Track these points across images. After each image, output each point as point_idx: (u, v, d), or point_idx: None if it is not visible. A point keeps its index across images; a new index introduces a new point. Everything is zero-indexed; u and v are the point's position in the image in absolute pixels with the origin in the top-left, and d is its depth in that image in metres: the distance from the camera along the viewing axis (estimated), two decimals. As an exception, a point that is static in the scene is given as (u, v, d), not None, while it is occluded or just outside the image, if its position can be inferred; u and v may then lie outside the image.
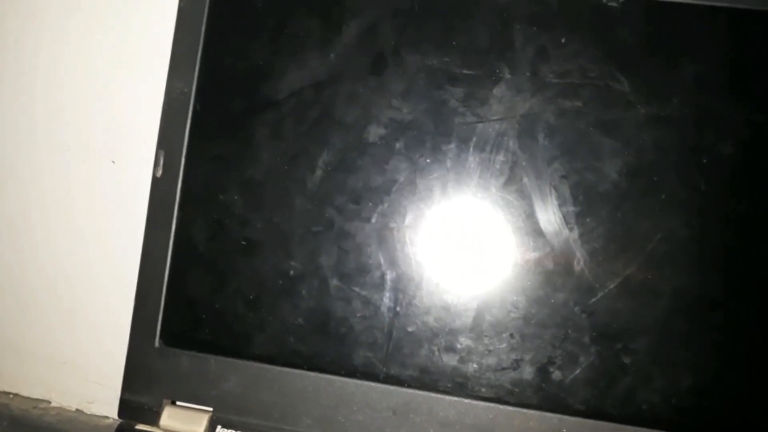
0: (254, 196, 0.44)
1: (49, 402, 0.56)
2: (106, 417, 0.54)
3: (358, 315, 0.43)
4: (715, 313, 0.40)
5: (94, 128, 0.53)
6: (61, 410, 0.55)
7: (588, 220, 0.41)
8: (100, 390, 0.55)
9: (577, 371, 0.41)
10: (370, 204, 0.43)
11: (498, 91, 0.42)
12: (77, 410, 0.55)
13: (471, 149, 0.42)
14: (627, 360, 0.40)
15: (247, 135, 0.44)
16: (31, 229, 0.55)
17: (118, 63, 0.53)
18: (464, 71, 0.43)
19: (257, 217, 0.44)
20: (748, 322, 0.40)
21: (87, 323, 0.54)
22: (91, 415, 0.55)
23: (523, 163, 0.42)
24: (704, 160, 0.41)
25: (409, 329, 0.42)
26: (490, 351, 0.41)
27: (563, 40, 0.42)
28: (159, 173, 0.45)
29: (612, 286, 0.41)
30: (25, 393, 0.56)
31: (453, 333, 0.42)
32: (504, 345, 0.41)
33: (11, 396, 0.56)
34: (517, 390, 0.41)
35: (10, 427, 0.54)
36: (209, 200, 0.45)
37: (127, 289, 0.46)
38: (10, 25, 0.55)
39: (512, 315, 0.41)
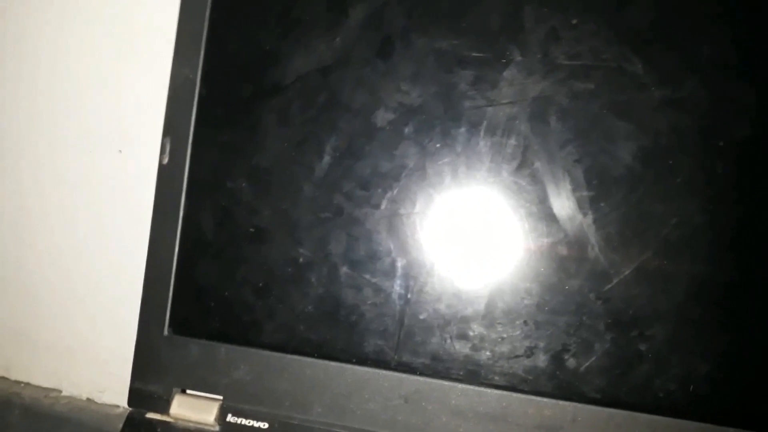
0: (262, 182, 0.44)
1: (60, 391, 0.56)
2: (117, 406, 0.55)
3: (368, 302, 0.42)
4: (733, 298, 0.39)
5: (100, 117, 0.53)
6: (72, 399, 0.55)
7: (602, 204, 0.40)
8: (111, 379, 0.55)
9: (592, 359, 0.40)
10: (380, 190, 0.42)
11: (508, 73, 0.41)
12: (88, 399, 0.55)
13: (482, 133, 0.42)
14: (643, 347, 0.40)
15: (254, 121, 0.44)
16: (39, 219, 0.55)
17: (122, 50, 0.52)
18: (474, 54, 0.42)
19: (265, 204, 0.44)
20: (766, 307, 0.39)
21: (97, 312, 0.54)
22: (101, 404, 0.55)
23: (535, 147, 0.41)
24: (720, 143, 0.40)
25: (421, 316, 0.42)
26: (503, 338, 0.41)
27: (574, 21, 0.41)
28: (165, 161, 0.45)
29: (627, 272, 0.40)
30: (36, 382, 0.57)
31: (465, 320, 0.41)
32: (517, 332, 0.41)
33: (22, 385, 0.57)
34: (530, 378, 0.41)
35: (22, 416, 0.54)
36: (217, 187, 0.44)
37: (136, 277, 0.46)
38: (14, 15, 0.54)
39: (525, 302, 0.41)
